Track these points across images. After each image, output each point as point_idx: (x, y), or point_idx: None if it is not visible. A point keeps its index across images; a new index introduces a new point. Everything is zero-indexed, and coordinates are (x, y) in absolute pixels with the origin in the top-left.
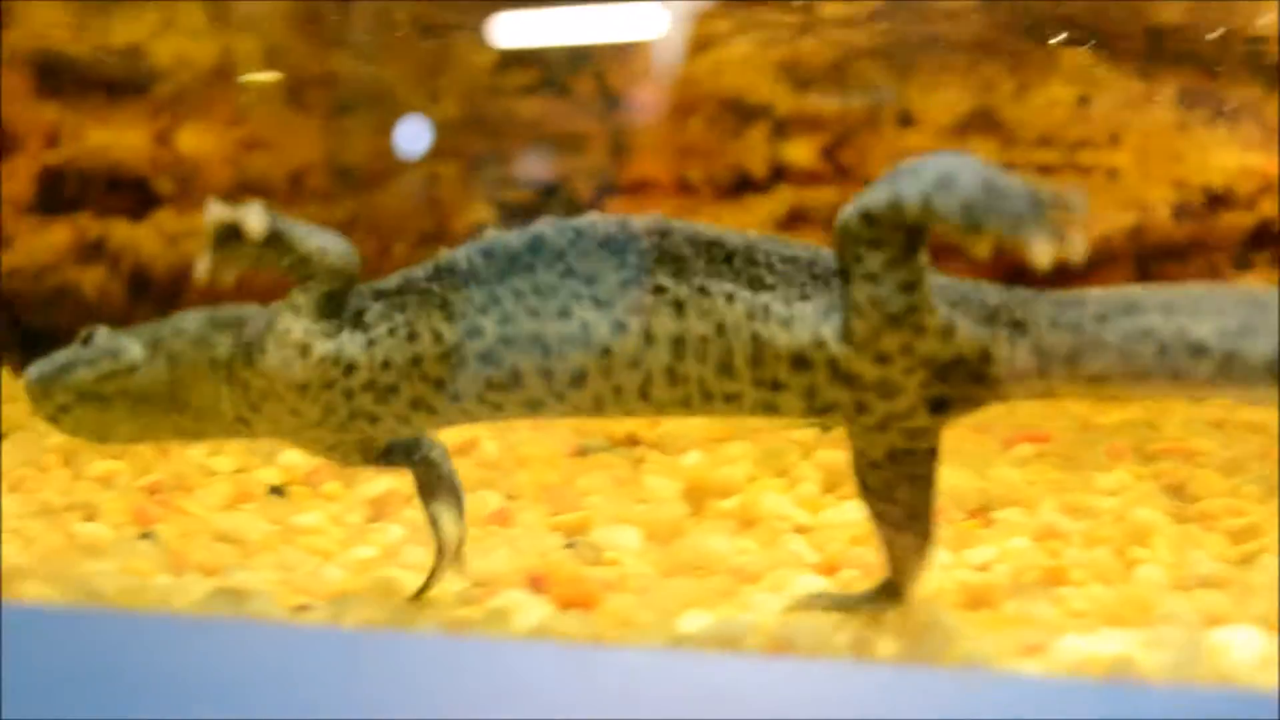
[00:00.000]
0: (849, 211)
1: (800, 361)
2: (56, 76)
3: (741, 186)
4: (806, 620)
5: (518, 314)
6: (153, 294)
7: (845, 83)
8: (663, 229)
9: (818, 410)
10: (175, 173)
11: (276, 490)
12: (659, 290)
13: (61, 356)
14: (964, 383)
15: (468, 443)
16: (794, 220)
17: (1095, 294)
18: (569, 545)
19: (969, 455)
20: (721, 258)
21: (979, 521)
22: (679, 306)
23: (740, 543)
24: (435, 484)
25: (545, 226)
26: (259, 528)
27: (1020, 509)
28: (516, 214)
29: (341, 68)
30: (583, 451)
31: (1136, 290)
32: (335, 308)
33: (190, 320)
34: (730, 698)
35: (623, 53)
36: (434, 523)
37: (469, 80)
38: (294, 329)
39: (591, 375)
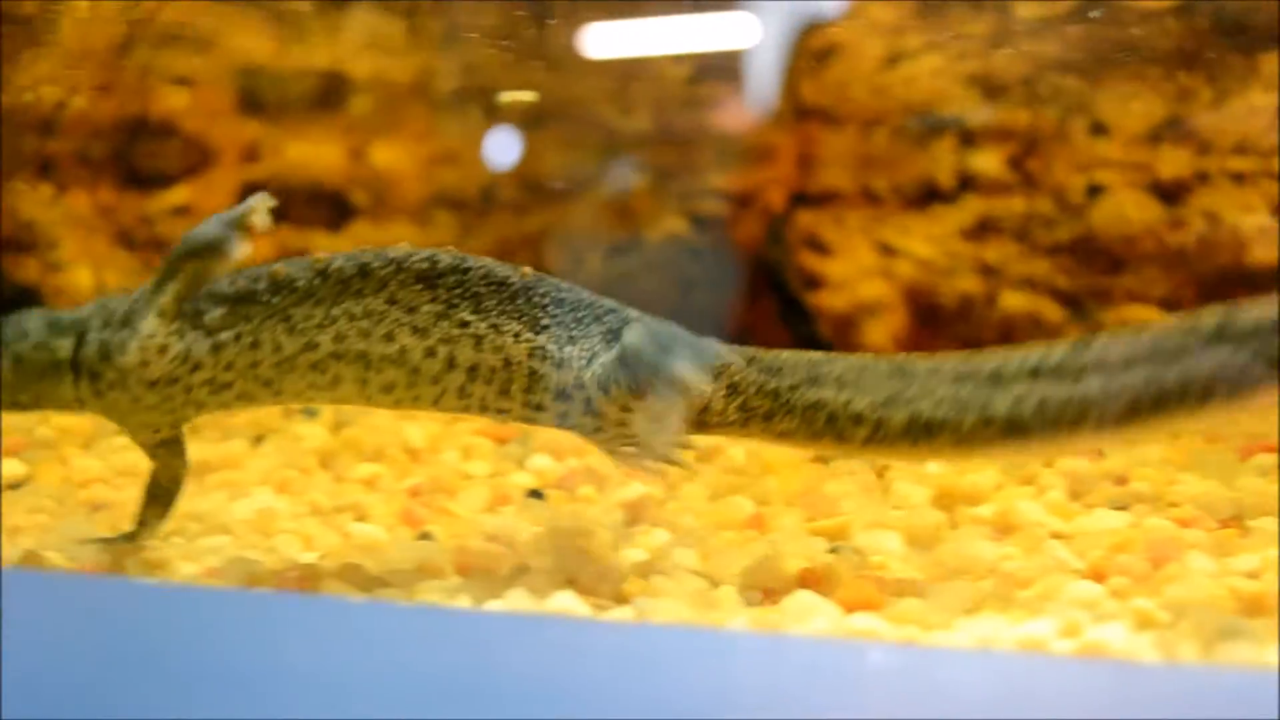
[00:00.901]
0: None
1: (562, 395)
2: (257, 94)
3: (929, 197)
4: (1109, 625)
5: (350, 334)
6: None
7: (1036, 92)
8: (463, 267)
9: (565, 427)
10: (370, 186)
11: (535, 494)
12: (464, 324)
13: None
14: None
15: (714, 449)
16: (982, 230)
17: (792, 364)
18: (833, 550)
19: (1211, 465)
20: (508, 297)
21: (1236, 530)
22: (478, 340)
23: (1003, 549)
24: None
25: (369, 257)
26: (525, 530)
27: (1273, 518)
28: (708, 225)
29: (534, 82)
30: (824, 458)
31: (822, 364)
32: (185, 312)
33: (34, 323)
34: (1045, 699)
35: (814, 65)
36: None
37: (662, 93)
38: (158, 333)
39: (399, 387)
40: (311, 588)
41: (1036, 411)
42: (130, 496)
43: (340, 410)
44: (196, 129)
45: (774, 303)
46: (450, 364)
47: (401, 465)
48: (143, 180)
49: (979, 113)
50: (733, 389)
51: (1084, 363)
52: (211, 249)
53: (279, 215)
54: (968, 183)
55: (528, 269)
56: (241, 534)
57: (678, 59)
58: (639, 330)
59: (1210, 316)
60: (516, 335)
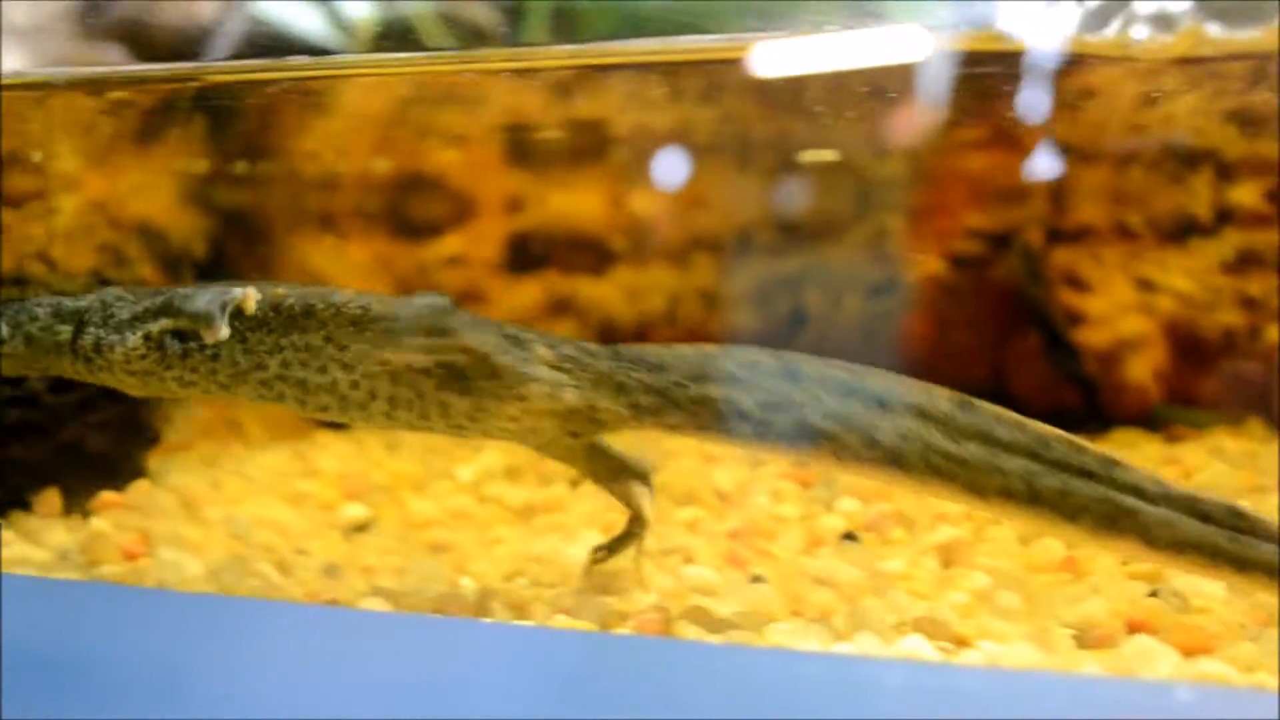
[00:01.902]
0: None
1: (473, 419)
2: (523, 149)
3: (1186, 231)
4: None
5: (293, 362)
6: (617, 342)
7: None
8: (391, 315)
9: (492, 436)
10: (629, 233)
11: (850, 536)
12: (384, 363)
13: None
14: (584, 424)
15: None
16: (1243, 263)
17: (681, 360)
18: (1153, 593)
19: None
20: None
21: None
22: (394, 378)
23: None
24: None
25: (315, 299)
26: (847, 572)
27: None
28: (968, 264)
29: (789, 130)
30: None
31: (711, 361)
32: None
33: (41, 310)
34: None
35: (1071, 106)
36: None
37: (917, 137)
38: (140, 347)
39: (332, 410)
40: (664, 630)
41: (919, 454)
42: (466, 538)
43: (649, 456)
44: (463, 182)
45: (1035, 340)
46: (372, 395)
47: (715, 508)
48: (415, 231)
49: (1235, 146)
50: (620, 389)
51: (971, 423)
52: (198, 320)
53: (545, 261)
54: (1225, 216)
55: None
56: (579, 577)
57: (933, 104)
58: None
59: (1094, 455)
60: (427, 371)
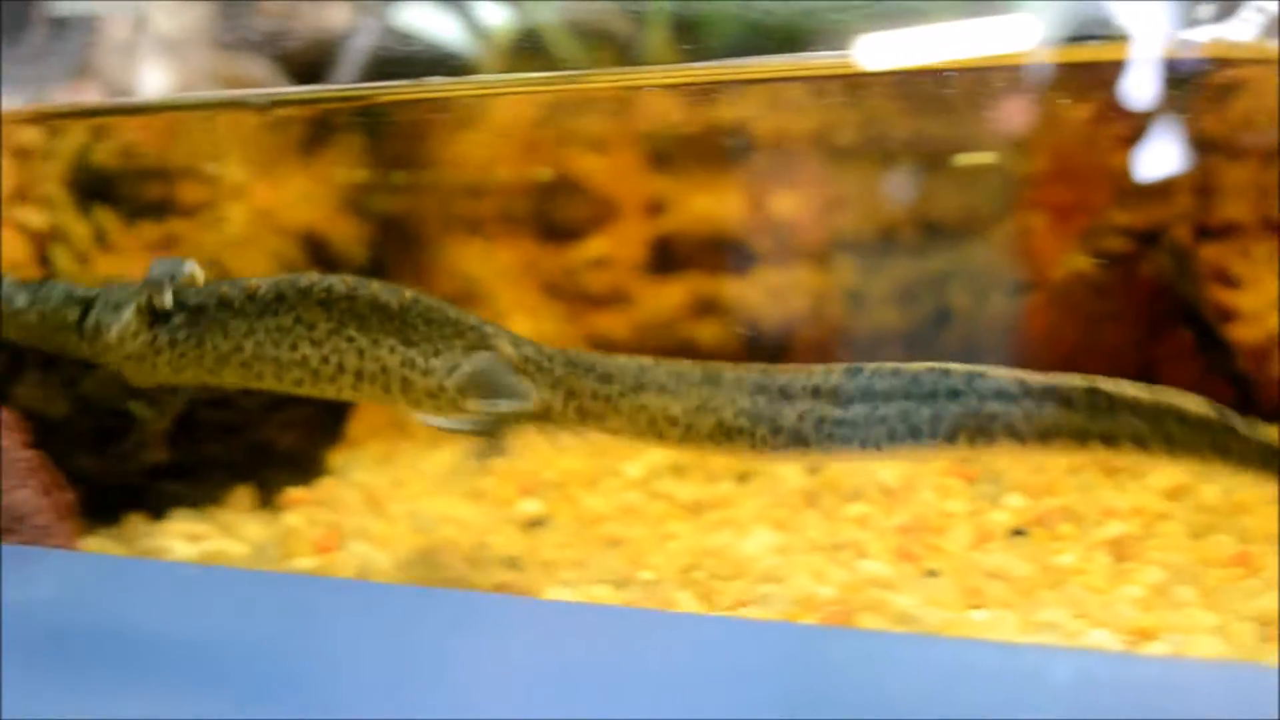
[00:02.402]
0: None
1: (434, 395)
2: (666, 153)
3: None
4: None
5: (266, 343)
6: (763, 343)
7: None
8: (354, 294)
9: (442, 425)
10: (771, 234)
11: (1019, 532)
12: (349, 339)
13: None
14: (534, 422)
15: (1183, 488)
16: None
17: (621, 372)
18: None
19: None
20: (387, 318)
21: None
22: (360, 353)
23: None
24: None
25: (285, 286)
26: (1022, 567)
27: None
28: (1116, 261)
29: (930, 130)
30: None
31: (647, 371)
32: (155, 312)
33: (57, 291)
34: None
35: (1216, 101)
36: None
37: (1062, 134)
38: (133, 324)
39: (305, 383)
40: (847, 622)
41: (815, 428)
42: (639, 534)
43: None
44: (606, 186)
45: (1187, 337)
46: (340, 368)
47: (883, 504)
48: (560, 234)
49: None
50: (570, 394)
51: (852, 389)
52: (151, 288)
53: (688, 263)
54: None
55: (409, 292)
56: (756, 569)
57: (1076, 99)
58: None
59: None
60: (391, 348)
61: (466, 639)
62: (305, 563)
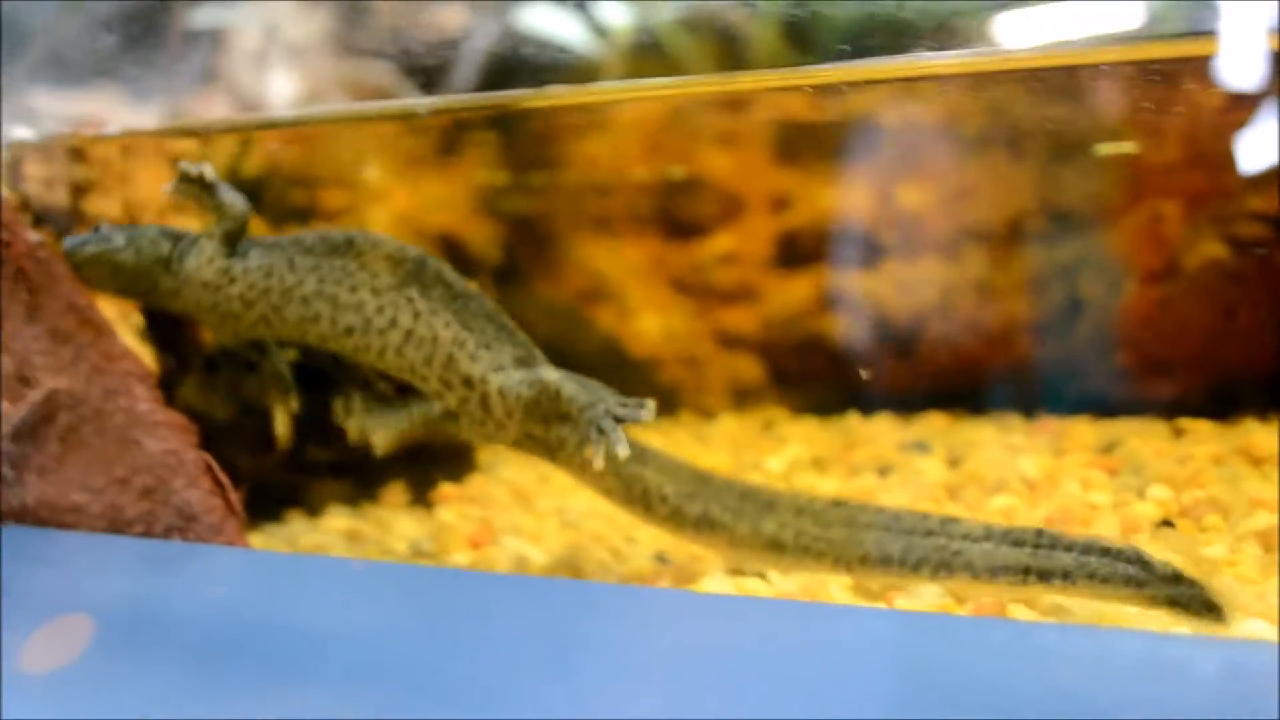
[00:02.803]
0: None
1: (466, 383)
2: (793, 148)
3: None
4: None
5: (328, 279)
6: (891, 337)
7: None
8: (423, 261)
9: (454, 410)
10: (899, 226)
11: (1166, 523)
12: (409, 299)
13: (81, 238)
14: (539, 450)
15: None
16: None
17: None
18: None
19: None
20: (450, 296)
21: None
22: (416, 314)
23: None
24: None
25: (357, 234)
26: (1172, 559)
27: None
28: (1251, 246)
29: (1056, 118)
30: None
31: (648, 451)
32: (233, 244)
33: (151, 230)
34: None
35: None
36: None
37: (1195, 120)
38: (207, 249)
39: (356, 332)
40: (1000, 613)
41: (793, 539)
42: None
43: (952, 446)
44: (731, 182)
45: None
46: (393, 323)
47: (1026, 496)
48: (687, 231)
49: None
50: (582, 443)
51: (836, 515)
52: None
53: (815, 257)
54: None
55: (474, 286)
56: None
57: (1208, 88)
58: (561, 376)
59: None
60: (446, 323)
61: (622, 631)
62: (460, 558)
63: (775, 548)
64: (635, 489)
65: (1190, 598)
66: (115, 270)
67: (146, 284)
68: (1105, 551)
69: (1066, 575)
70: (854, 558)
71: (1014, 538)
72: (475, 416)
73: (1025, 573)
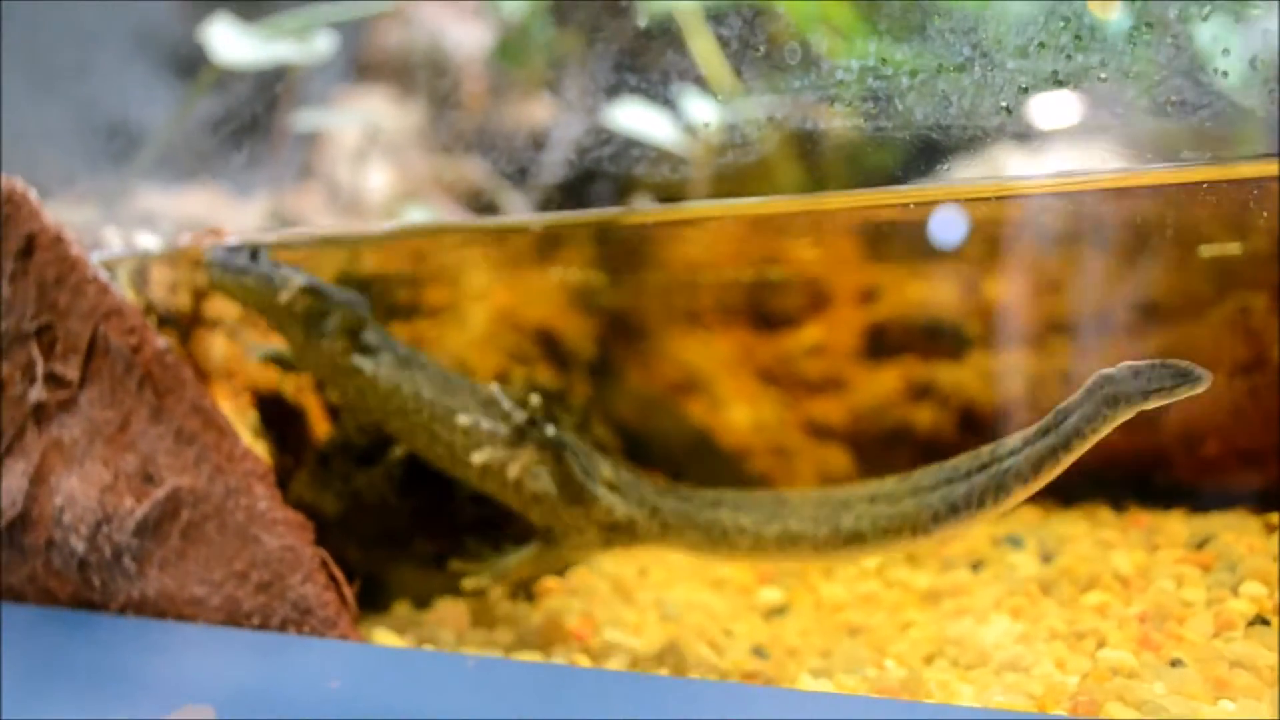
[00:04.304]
0: None
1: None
2: (881, 243)
3: None
4: None
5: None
6: (979, 426)
7: None
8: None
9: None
10: (985, 318)
11: (1261, 620)
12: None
13: (239, 260)
14: (622, 535)
15: None
16: None
17: (700, 495)
18: None
19: None
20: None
21: None
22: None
23: None
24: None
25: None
26: (1266, 656)
27: None
28: None
29: (1143, 214)
30: None
31: (724, 495)
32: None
33: (299, 279)
34: None
35: None
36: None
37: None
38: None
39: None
40: (1096, 712)
41: (870, 525)
42: (880, 621)
43: (1044, 541)
44: (818, 275)
45: None
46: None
47: (1119, 592)
48: (773, 323)
49: None
50: (654, 510)
51: (904, 489)
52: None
53: (901, 350)
54: None
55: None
56: (998, 657)
57: None
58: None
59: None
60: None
61: None
62: (564, 650)
63: (857, 541)
64: (715, 532)
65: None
66: (244, 295)
67: (272, 321)
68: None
69: (1079, 433)
70: (927, 521)
71: (1041, 428)
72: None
73: (1054, 452)
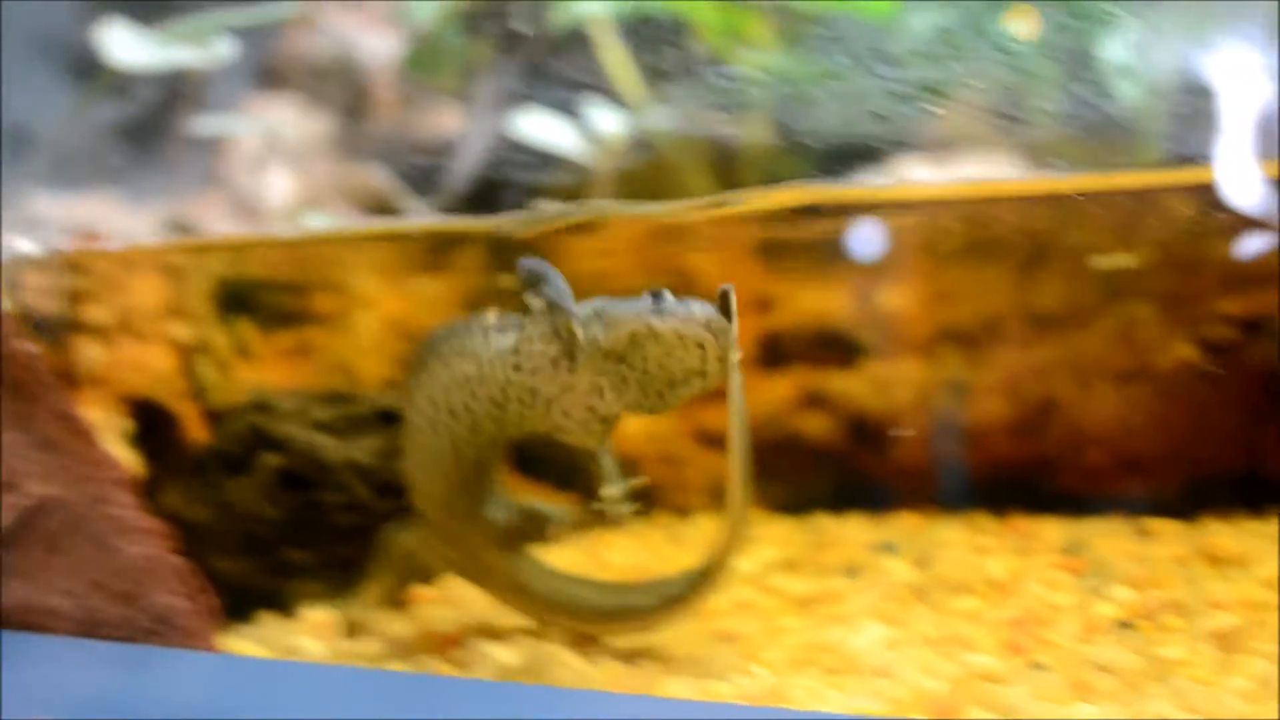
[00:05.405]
0: None
1: None
2: (778, 256)
3: None
4: None
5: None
6: (867, 436)
7: None
8: None
9: None
10: (877, 327)
11: (1126, 624)
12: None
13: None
14: None
15: None
16: None
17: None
18: None
19: None
20: None
21: None
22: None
23: None
24: None
25: None
26: (1129, 659)
27: None
28: (1221, 349)
29: (1033, 218)
30: None
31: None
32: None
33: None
34: None
35: None
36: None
37: (1168, 227)
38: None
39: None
40: (955, 716)
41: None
42: (754, 629)
43: (920, 547)
44: (717, 283)
45: None
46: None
47: (991, 598)
48: None
49: None
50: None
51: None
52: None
53: (793, 359)
54: None
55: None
56: (868, 663)
57: (1184, 196)
58: None
59: None
60: None
61: None
62: (430, 661)
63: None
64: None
65: None
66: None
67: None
68: None
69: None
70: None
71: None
72: None
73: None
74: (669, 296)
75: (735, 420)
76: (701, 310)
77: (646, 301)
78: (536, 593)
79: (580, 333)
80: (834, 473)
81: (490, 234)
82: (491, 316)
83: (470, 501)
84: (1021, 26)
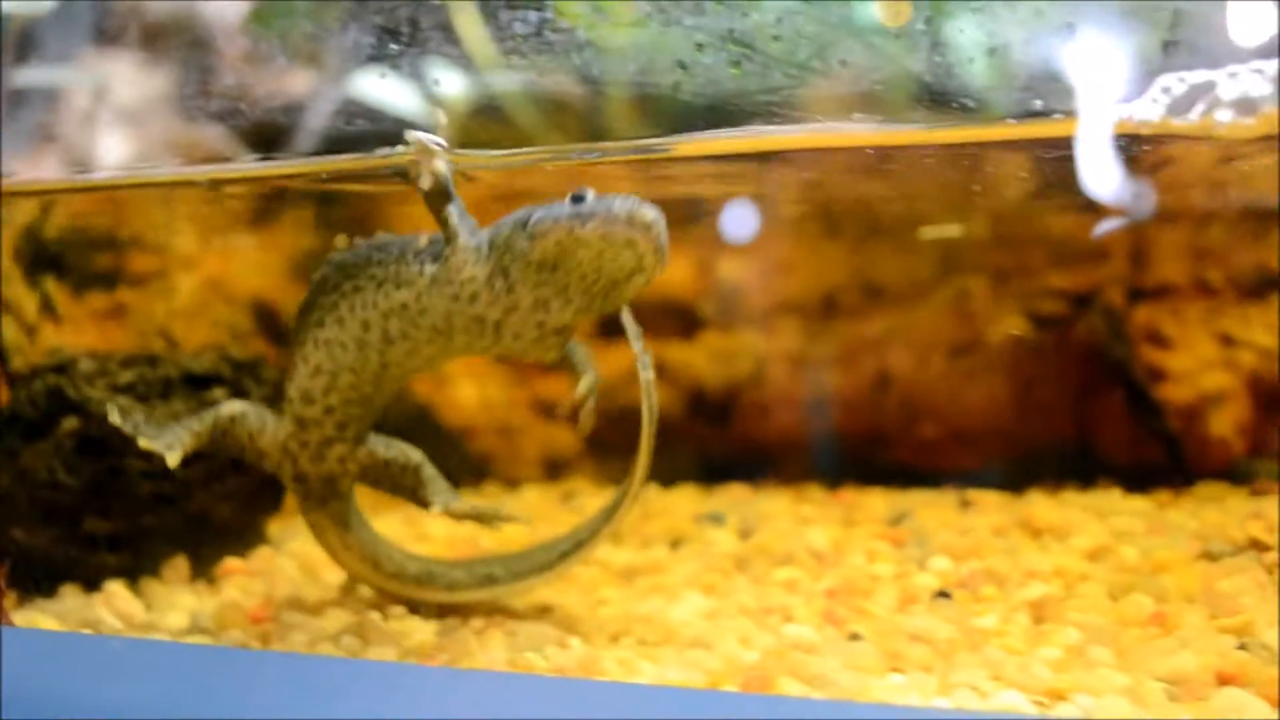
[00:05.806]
0: None
1: None
2: None
3: (1266, 286)
4: None
5: None
6: (706, 406)
7: None
8: None
9: None
10: (717, 298)
11: (943, 594)
12: None
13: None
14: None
15: (1104, 549)
16: None
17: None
18: (1241, 647)
19: None
20: None
21: None
22: None
23: None
24: None
25: None
26: (943, 629)
27: None
28: (1050, 323)
29: (872, 195)
30: (1211, 556)
31: None
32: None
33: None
34: None
35: (1152, 169)
36: None
37: (1001, 202)
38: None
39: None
40: (767, 687)
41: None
42: (573, 600)
43: (745, 517)
44: None
45: (1119, 397)
46: None
47: (812, 568)
48: None
49: None
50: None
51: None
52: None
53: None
54: None
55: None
56: (685, 634)
57: (1018, 172)
58: None
59: None
60: None
61: (397, 705)
62: (238, 634)
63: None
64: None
65: None
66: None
67: None
68: None
69: None
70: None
71: None
72: None
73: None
74: (590, 196)
75: (646, 400)
76: (623, 206)
77: (566, 205)
78: (379, 545)
79: (455, 219)
80: (668, 444)
81: (319, 191)
82: (423, 239)
83: (361, 428)
84: (889, 14)
